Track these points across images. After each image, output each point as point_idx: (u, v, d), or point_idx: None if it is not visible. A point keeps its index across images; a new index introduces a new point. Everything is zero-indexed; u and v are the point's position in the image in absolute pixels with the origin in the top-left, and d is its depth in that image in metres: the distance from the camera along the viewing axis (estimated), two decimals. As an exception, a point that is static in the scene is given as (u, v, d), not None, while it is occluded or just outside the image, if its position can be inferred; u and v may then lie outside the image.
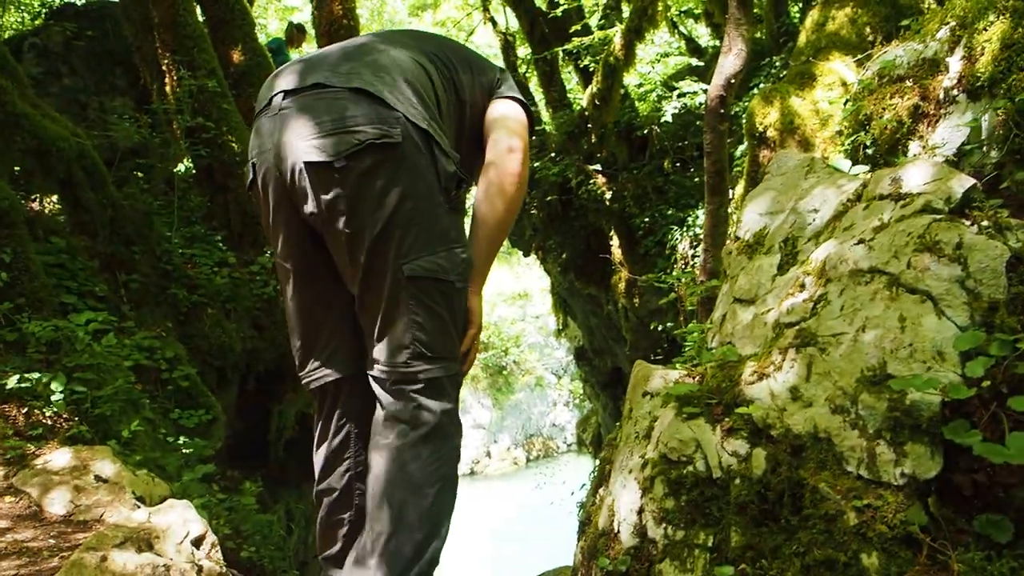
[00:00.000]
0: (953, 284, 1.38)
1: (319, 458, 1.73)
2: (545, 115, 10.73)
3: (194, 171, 7.51)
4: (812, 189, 1.91)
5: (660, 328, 8.13)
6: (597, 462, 2.03)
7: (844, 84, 6.79)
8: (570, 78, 11.54)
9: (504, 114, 1.80)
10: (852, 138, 2.57)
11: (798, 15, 8.98)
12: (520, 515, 17.41)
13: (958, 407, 1.27)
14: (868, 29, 6.99)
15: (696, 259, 7.87)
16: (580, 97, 10.38)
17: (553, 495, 16.75)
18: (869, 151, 2.47)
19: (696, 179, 8.47)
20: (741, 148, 7.69)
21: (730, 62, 3.31)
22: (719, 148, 3.26)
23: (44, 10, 8.83)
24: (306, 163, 1.50)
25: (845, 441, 1.34)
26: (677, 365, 1.80)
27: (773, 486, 1.36)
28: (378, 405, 1.57)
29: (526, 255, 12.22)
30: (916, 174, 1.59)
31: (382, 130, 1.50)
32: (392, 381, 1.54)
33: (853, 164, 2.50)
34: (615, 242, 9.23)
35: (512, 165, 1.72)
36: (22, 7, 9.41)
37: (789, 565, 1.28)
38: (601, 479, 1.95)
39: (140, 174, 6.88)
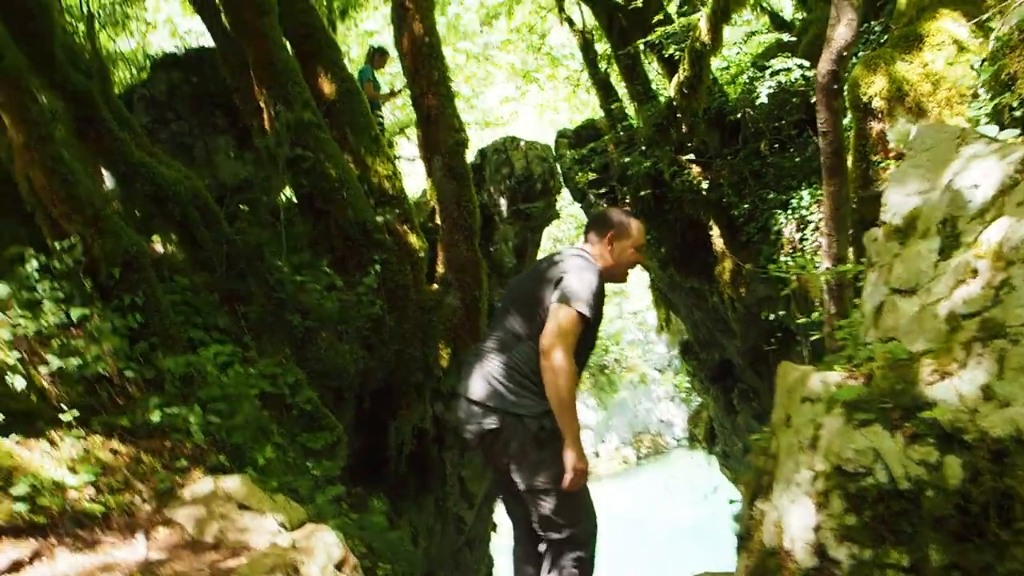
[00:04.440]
0: None
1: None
2: (630, 109, 10.55)
3: (296, 201, 7.78)
4: (969, 162, 1.74)
5: (772, 317, 7.82)
6: (750, 472, 1.92)
7: (956, 42, 6.33)
8: (651, 69, 11.31)
9: (551, 317, 2.87)
10: (995, 101, 2.35)
11: (894, -25, 8.46)
12: (643, 515, 17.15)
13: None
14: (978, -20, 6.49)
15: (804, 242, 7.53)
16: (664, 88, 10.15)
17: (678, 493, 16.32)
18: (1016, 113, 2.26)
19: (796, 159, 8.11)
20: (845, 121, 7.31)
21: (840, 33, 3.11)
22: (835, 127, 3.08)
23: (148, 61, 9.38)
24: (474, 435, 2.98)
25: (1058, 444, 1.20)
26: (835, 366, 1.68)
27: (975, 497, 1.23)
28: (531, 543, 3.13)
29: (622, 252, 12.02)
30: (1103, 136, 1.42)
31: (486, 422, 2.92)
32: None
33: (1000, 129, 2.29)
34: (715, 231, 8.95)
35: (545, 362, 2.80)
36: (129, 62, 10.04)
37: (1006, 585, 1.16)
38: (757, 491, 1.84)
39: (245, 208, 7.17)
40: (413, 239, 8.06)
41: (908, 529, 1.28)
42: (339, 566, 3.20)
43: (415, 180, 15.80)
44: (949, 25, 6.26)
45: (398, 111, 15.62)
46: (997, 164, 1.69)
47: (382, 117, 9.98)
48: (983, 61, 3.02)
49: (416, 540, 7.78)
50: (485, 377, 2.94)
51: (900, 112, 6.54)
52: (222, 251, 6.31)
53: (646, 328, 27.47)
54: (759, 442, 1.88)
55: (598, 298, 2.96)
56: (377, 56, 10.15)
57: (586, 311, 2.85)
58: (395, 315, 7.60)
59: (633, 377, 27.87)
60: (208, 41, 8.55)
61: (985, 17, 4.49)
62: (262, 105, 7.43)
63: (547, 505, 2.92)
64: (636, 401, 28.54)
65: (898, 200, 1.89)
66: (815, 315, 3.76)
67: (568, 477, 2.75)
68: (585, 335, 2.93)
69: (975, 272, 1.48)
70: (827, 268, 3.23)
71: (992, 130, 2.27)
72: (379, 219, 7.66)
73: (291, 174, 7.12)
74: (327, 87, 7.88)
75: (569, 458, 2.75)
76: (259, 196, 7.21)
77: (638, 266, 3.24)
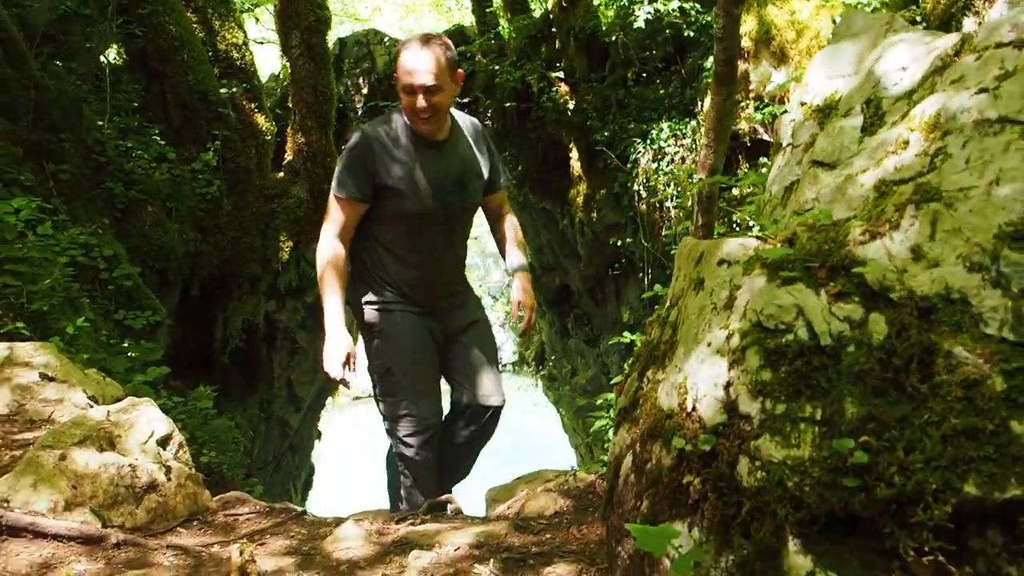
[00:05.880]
0: (1102, 132, 1.23)
1: None
2: (503, 21, 10.22)
3: (126, 56, 6.83)
4: (894, 47, 1.73)
5: (619, 244, 8.04)
6: (638, 344, 1.86)
7: (823, -6, 6.59)
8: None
9: None
10: (899, 15, 2.38)
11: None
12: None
13: (1118, 262, 1.14)
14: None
15: (658, 173, 7.74)
16: (541, 1, 9.90)
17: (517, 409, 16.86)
18: (920, 27, 2.31)
19: (660, 91, 8.25)
20: (711, 60, 7.48)
21: (750, -63, 3.06)
22: (732, 34, 3.04)
23: None
24: None
25: (985, 301, 1.20)
26: (748, 234, 1.63)
27: (899, 351, 1.21)
28: None
29: (476, 169, 11.85)
30: (1042, 18, 1.42)
31: None
32: None
33: (901, 40, 2.33)
34: (574, 154, 8.99)
35: None
36: None
37: (922, 436, 1.15)
38: (648, 363, 1.79)
39: (58, 63, 6.12)
40: (260, 119, 7.39)
41: (825, 384, 1.25)
42: (163, 443, 2.87)
43: (264, 66, 14.56)
44: (820, -25, 6.52)
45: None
46: (924, 50, 1.68)
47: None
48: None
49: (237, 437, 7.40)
50: None
51: (765, 55, 6.80)
52: (29, 97, 5.41)
53: (484, 254, 27.68)
54: (656, 312, 1.81)
55: (358, 161, 2.66)
56: None
57: (336, 190, 2.68)
58: (234, 199, 6.99)
59: (469, 301, 28.15)
60: None
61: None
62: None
63: (375, 393, 2.93)
64: (468, 326, 28.77)
65: (819, 81, 1.86)
66: (679, 227, 3.82)
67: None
68: (387, 208, 2.70)
69: (906, 143, 1.46)
70: (701, 179, 3.23)
71: (893, 41, 2.30)
72: (223, 91, 6.92)
73: (122, 22, 6.20)
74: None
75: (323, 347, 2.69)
76: (80, 40, 6.22)
77: (423, 110, 2.58)
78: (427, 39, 2.60)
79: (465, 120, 2.94)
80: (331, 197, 2.72)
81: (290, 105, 7.68)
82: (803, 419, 1.26)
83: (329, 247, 2.71)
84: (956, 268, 1.23)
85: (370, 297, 2.83)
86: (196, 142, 6.69)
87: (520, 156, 9.62)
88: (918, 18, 2.35)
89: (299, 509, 3.17)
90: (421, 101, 2.56)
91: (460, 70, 2.70)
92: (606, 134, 8.48)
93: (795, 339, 1.31)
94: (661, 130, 7.77)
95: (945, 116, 1.40)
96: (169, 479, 2.77)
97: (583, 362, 11.27)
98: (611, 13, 8.49)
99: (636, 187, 7.89)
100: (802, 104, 1.89)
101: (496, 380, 2.99)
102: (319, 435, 11.89)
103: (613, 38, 8.17)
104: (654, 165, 7.71)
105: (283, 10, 7.20)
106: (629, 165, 8.12)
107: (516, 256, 3.07)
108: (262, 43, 14.34)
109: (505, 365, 27.76)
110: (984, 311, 1.19)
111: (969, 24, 2.23)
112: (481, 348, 2.98)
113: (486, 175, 2.92)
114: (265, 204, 7.34)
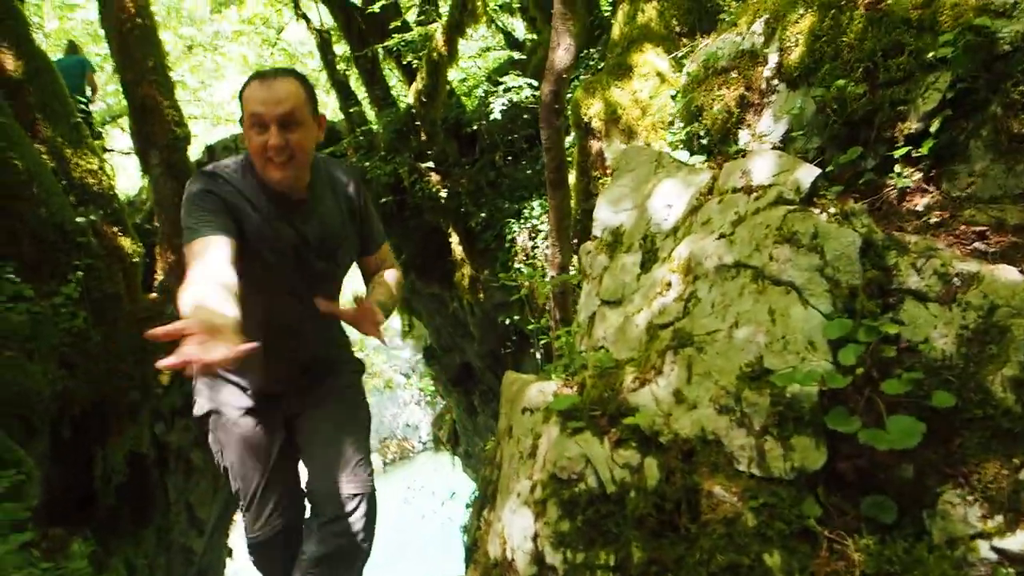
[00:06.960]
0: (814, 273, 1.42)
1: None
2: (370, 114, 10.44)
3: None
4: (662, 184, 1.92)
5: (508, 322, 8.18)
6: (478, 481, 1.93)
7: (659, 74, 7.13)
8: (392, 75, 11.30)
9: None
10: (686, 129, 2.64)
11: (609, 8, 9.33)
12: (386, 527, 16.98)
13: (834, 395, 1.30)
14: (675, 22, 7.39)
15: (536, 249, 7.99)
16: (405, 94, 10.19)
17: (421, 504, 16.49)
18: (703, 141, 2.55)
19: (528, 171, 8.58)
20: (569, 139, 7.88)
21: (560, 57, 3.32)
22: (557, 143, 3.27)
23: None
24: None
25: (734, 440, 1.34)
26: (552, 375, 1.74)
27: (669, 495, 1.33)
28: None
29: (363, 258, 11.85)
30: (763, 165, 1.63)
31: None
32: None
33: (691, 154, 2.57)
34: (454, 239, 9.16)
35: None
36: None
37: (695, 575, 1.26)
38: (484, 501, 1.86)
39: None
40: (125, 242, 7.19)
41: (615, 530, 1.34)
42: (18, 632, 2.69)
43: (132, 176, 14.21)
44: (653, 58, 7.04)
45: (111, 97, 13.99)
46: (685, 187, 1.87)
47: (88, 109, 8.78)
48: (676, 93, 3.39)
49: (131, 581, 6.94)
50: None
51: (615, 133, 7.22)
52: None
53: (390, 333, 27.48)
54: (486, 452, 1.89)
55: (206, 199, 1.92)
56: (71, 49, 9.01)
57: (186, 240, 1.85)
58: (103, 328, 6.71)
59: (378, 383, 27.76)
60: None
61: (680, 54, 5.08)
62: (-80, 77, 6.14)
63: None
64: (383, 407, 28.44)
65: (606, 216, 2.03)
66: (543, 320, 3.98)
67: None
68: (247, 255, 1.91)
69: (669, 285, 1.62)
70: (552, 277, 3.40)
71: (684, 155, 2.54)
72: (80, 220, 6.71)
73: (-39, 163, 5.95)
74: (10, 63, 6.74)
75: None
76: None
77: (278, 158, 1.93)
78: (282, 70, 2.04)
79: (336, 169, 2.28)
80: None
81: (157, 224, 7.53)
82: (599, 566, 1.35)
83: (190, 287, 1.71)
84: (709, 410, 1.37)
85: (199, 383, 2.28)
86: (55, 275, 6.43)
87: (402, 246, 9.71)
88: (701, 132, 2.60)
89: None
90: (275, 137, 1.90)
91: (323, 114, 2.09)
92: (483, 215, 8.71)
93: (586, 488, 1.41)
94: (532, 208, 8.06)
95: (695, 260, 1.57)
96: (26, 673, 2.59)
97: (493, 439, 11.24)
98: (471, 102, 8.83)
99: (516, 265, 8.09)
100: (594, 238, 2.05)
101: (355, 463, 2.11)
102: (230, 552, 11.26)
103: (475, 127, 8.49)
104: (531, 243, 7.96)
105: (138, 133, 7.12)
106: (507, 244, 8.35)
107: (379, 291, 2.21)
108: (129, 153, 14.05)
109: (426, 443, 27.28)
110: (734, 449, 1.33)
111: (744, 136, 2.50)
112: (336, 424, 2.20)
113: (356, 239, 2.25)
114: (138, 329, 7.07)
